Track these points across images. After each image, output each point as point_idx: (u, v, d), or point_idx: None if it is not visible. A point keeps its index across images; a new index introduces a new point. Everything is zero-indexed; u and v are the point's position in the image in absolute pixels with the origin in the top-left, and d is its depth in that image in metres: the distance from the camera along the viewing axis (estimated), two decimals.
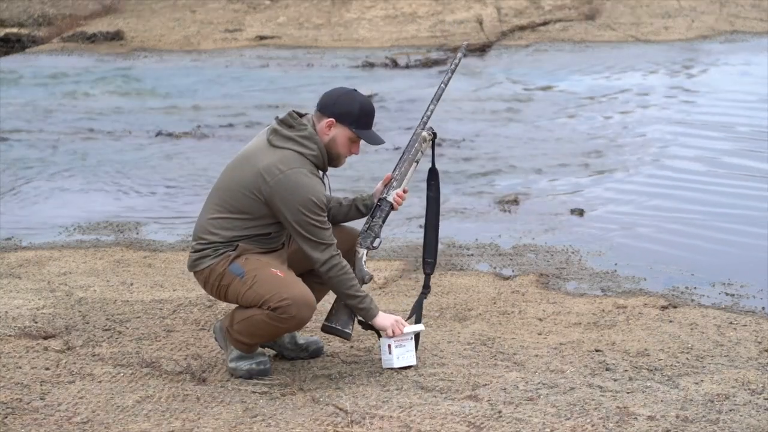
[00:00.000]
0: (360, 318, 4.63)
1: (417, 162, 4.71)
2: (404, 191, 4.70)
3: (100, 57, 15.24)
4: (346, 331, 4.61)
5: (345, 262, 4.49)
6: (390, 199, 4.67)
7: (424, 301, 4.84)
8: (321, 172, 4.54)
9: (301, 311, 4.39)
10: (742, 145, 9.43)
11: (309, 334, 5.05)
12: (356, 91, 4.56)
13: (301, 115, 4.53)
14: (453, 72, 4.72)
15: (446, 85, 4.70)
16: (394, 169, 4.71)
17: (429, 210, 4.80)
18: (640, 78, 12.74)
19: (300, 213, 4.37)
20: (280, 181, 4.38)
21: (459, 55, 4.76)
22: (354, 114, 4.49)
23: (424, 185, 4.81)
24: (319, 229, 4.41)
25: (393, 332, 4.59)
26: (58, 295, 5.75)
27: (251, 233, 4.49)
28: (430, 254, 4.79)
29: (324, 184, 4.53)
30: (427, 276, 4.80)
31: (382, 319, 4.58)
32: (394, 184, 4.69)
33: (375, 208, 4.69)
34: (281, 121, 4.51)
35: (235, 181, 4.48)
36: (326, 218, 4.46)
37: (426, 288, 4.81)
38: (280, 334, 4.56)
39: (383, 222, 4.70)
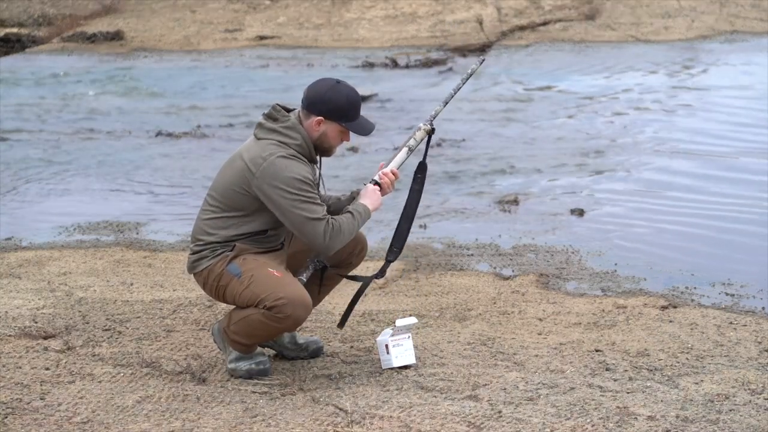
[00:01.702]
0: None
1: (410, 149, 4.69)
2: (393, 172, 4.67)
3: (100, 57, 15.25)
4: (301, 278, 4.58)
5: (336, 221, 4.44)
6: (376, 177, 4.65)
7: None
8: (310, 163, 4.53)
9: (296, 311, 4.38)
10: (742, 145, 9.43)
11: (309, 334, 5.06)
12: (340, 82, 4.54)
13: (288, 110, 4.54)
14: (465, 81, 4.73)
15: (456, 92, 4.71)
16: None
17: (409, 201, 4.77)
18: (640, 78, 12.74)
19: (286, 192, 4.35)
20: (264, 169, 4.39)
21: (473, 66, 4.76)
22: (342, 109, 4.48)
23: (423, 187, 4.79)
24: (309, 203, 4.38)
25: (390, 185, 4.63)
26: (58, 295, 5.75)
27: (247, 231, 4.49)
28: (398, 243, 4.76)
29: (313, 173, 4.51)
30: (388, 262, 4.77)
31: (373, 204, 4.59)
32: (384, 167, 4.68)
33: (362, 189, 4.68)
34: (266, 115, 4.52)
35: (227, 179, 4.50)
36: (317, 195, 4.44)
37: (381, 272, 4.75)
38: (276, 335, 4.56)
39: None
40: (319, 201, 4.43)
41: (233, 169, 4.49)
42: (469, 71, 4.74)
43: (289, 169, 4.38)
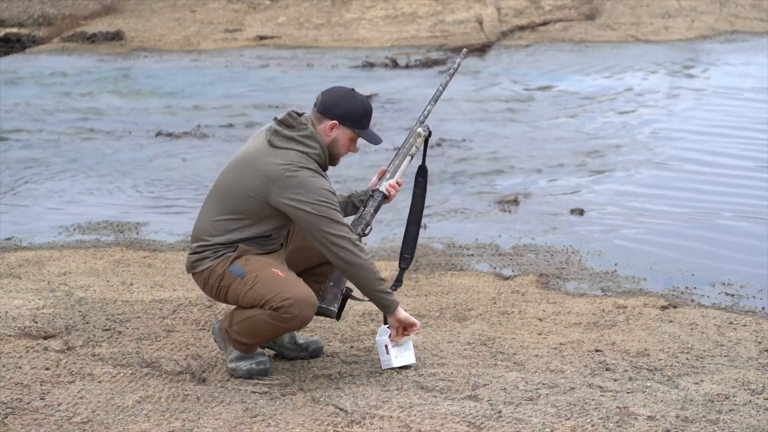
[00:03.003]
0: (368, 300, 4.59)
1: (411, 156, 4.74)
2: (398, 183, 4.71)
3: (100, 57, 15.25)
4: (331, 308, 4.60)
5: (367, 255, 4.46)
6: (382, 189, 4.68)
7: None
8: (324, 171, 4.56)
9: (303, 311, 4.38)
10: (741, 145, 9.43)
11: (309, 334, 5.06)
12: (354, 90, 4.58)
13: (299, 115, 4.54)
14: (452, 76, 4.76)
15: (444, 88, 4.74)
16: (389, 164, 4.73)
17: (413, 206, 4.81)
18: (640, 78, 12.74)
19: (321, 202, 4.37)
20: (290, 180, 4.38)
21: (458, 60, 4.79)
22: (357, 115, 4.52)
23: (426, 191, 4.81)
24: (340, 212, 4.43)
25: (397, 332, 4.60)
26: (58, 295, 5.75)
27: (252, 235, 4.49)
28: (408, 250, 4.79)
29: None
30: (402, 270, 4.80)
31: (396, 317, 4.57)
32: (388, 176, 4.71)
33: (368, 199, 4.70)
34: (281, 122, 4.51)
35: (238, 183, 4.47)
36: (339, 207, 4.49)
37: (398, 281, 4.80)
38: (280, 334, 4.56)
39: (375, 211, 4.70)
40: (341, 212, 4.47)
41: (247, 174, 4.45)
42: (455, 65, 4.77)
43: (319, 182, 4.41)
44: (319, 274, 4.68)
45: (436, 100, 4.74)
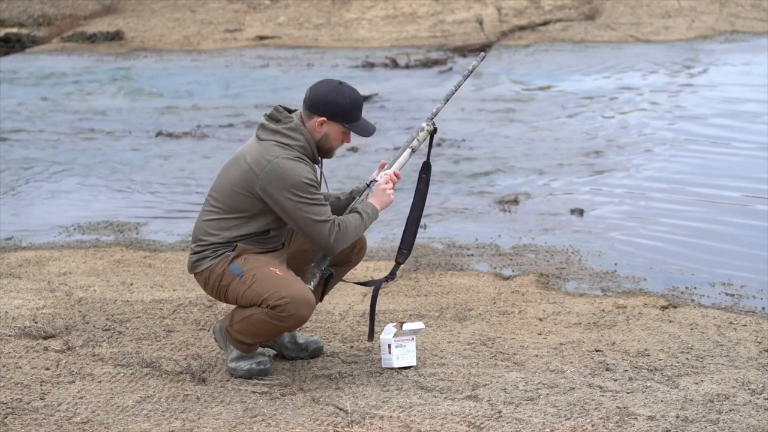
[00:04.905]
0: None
1: (413, 150, 4.71)
2: (396, 174, 4.68)
3: (100, 57, 15.26)
4: (308, 286, 4.57)
5: (342, 222, 4.46)
6: (378, 178, 4.66)
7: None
8: (313, 164, 4.54)
9: (300, 309, 4.38)
10: (741, 144, 9.43)
11: (309, 334, 5.06)
12: (342, 83, 4.55)
13: (290, 111, 4.54)
14: (466, 78, 4.76)
15: (456, 89, 4.74)
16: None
17: (415, 202, 4.78)
18: (640, 78, 12.75)
19: (293, 195, 4.37)
20: (269, 171, 4.39)
21: (474, 63, 4.79)
22: (345, 110, 4.49)
23: (428, 187, 4.79)
24: (315, 205, 4.40)
25: (393, 184, 4.63)
26: (58, 295, 5.75)
27: (249, 232, 4.49)
28: (406, 245, 4.77)
29: (316, 175, 4.52)
30: (398, 264, 4.78)
31: (381, 203, 4.60)
32: (387, 167, 4.69)
33: (364, 188, 4.69)
34: (268, 116, 4.53)
35: (229, 181, 4.50)
36: (321, 196, 4.46)
37: (392, 275, 4.77)
38: (279, 333, 4.56)
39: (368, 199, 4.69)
40: (324, 202, 4.45)
41: (236, 170, 4.48)
42: (470, 68, 4.76)
43: (294, 172, 4.39)
44: (327, 284, 4.69)
45: (447, 100, 4.73)
